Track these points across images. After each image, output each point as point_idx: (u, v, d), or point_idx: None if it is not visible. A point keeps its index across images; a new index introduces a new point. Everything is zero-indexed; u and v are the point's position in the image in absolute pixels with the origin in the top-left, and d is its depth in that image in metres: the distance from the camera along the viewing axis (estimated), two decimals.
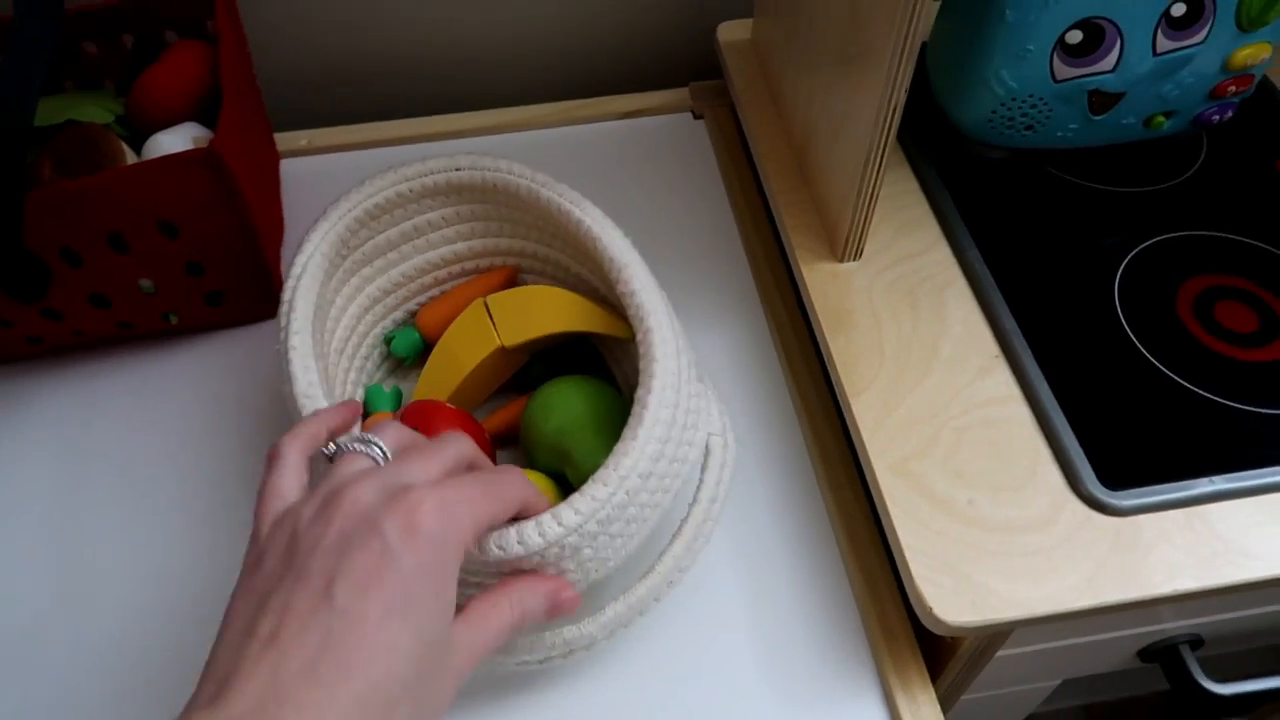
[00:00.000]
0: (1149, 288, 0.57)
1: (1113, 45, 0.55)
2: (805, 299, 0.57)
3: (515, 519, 0.40)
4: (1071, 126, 0.59)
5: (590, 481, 0.42)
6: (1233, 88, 0.59)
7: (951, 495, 0.48)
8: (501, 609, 0.38)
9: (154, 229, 0.54)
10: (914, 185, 0.63)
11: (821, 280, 0.57)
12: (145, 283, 0.57)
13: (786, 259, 0.64)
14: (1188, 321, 0.55)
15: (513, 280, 0.60)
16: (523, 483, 0.40)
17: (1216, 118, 0.61)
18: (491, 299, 0.55)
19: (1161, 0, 0.54)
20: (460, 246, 0.58)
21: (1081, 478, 0.48)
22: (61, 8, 0.51)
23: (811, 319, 0.57)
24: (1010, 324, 0.54)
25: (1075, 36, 0.55)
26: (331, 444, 0.40)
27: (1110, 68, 0.56)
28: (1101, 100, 0.58)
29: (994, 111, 0.59)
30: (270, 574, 0.34)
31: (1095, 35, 0.55)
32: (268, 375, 0.59)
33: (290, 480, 0.38)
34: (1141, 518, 0.47)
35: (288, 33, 0.74)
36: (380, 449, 0.38)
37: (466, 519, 0.35)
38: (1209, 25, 0.55)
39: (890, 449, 0.50)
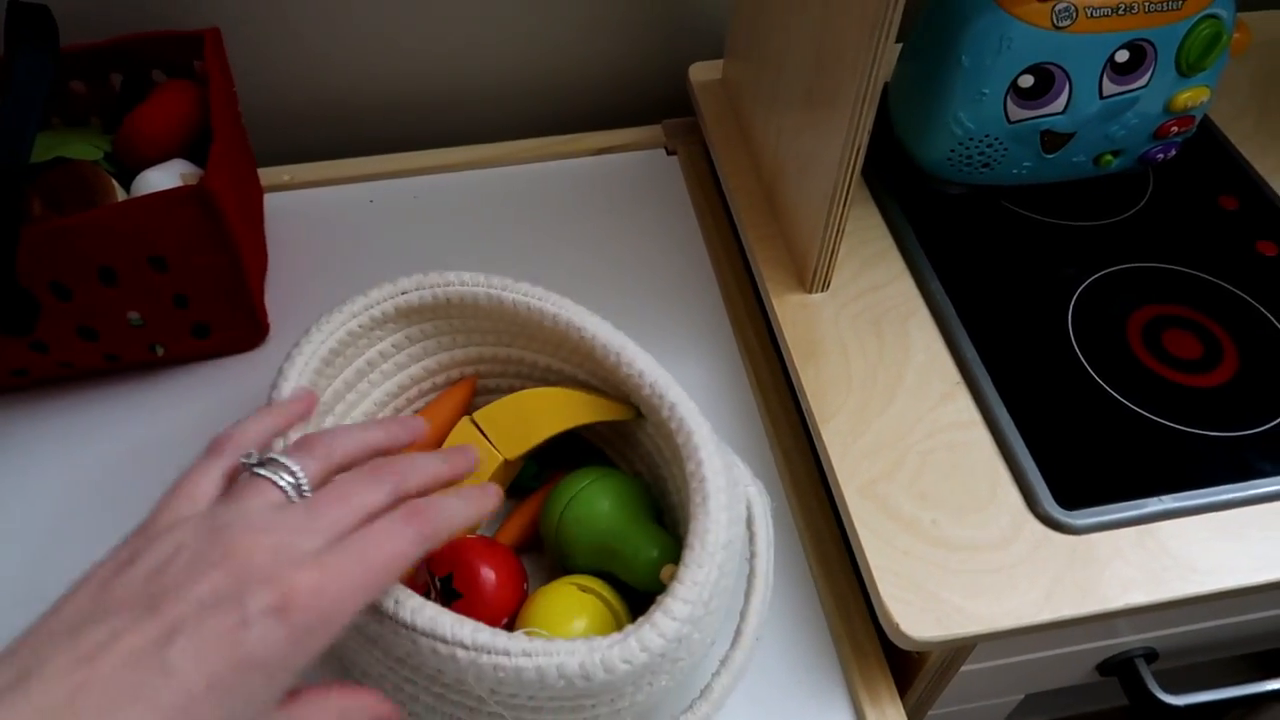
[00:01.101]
0: (1101, 317, 0.60)
1: (1062, 89, 0.58)
2: (776, 329, 0.60)
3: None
4: (1026, 164, 0.63)
5: (685, 567, 0.41)
6: (1175, 128, 0.62)
7: (916, 516, 0.51)
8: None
9: (144, 263, 0.56)
10: (878, 220, 0.65)
11: (791, 311, 0.60)
12: (133, 315, 0.58)
13: (758, 291, 0.66)
14: (1137, 349, 0.58)
15: (473, 390, 0.57)
16: (420, 538, 0.37)
17: (1161, 156, 0.65)
18: (479, 415, 0.52)
19: (1106, 47, 0.57)
20: (415, 370, 0.56)
21: (1039, 499, 0.51)
22: (57, 45, 0.52)
23: (782, 349, 0.59)
24: (971, 352, 0.57)
25: (1027, 81, 0.58)
26: (254, 454, 0.38)
27: (1060, 109, 0.59)
28: (1053, 140, 0.61)
29: (953, 150, 0.62)
30: (129, 585, 0.32)
31: (1045, 79, 0.58)
32: (254, 404, 0.61)
33: (209, 488, 0.37)
34: (1096, 536, 0.50)
35: (271, 69, 0.76)
36: (294, 481, 0.37)
37: (344, 612, 0.34)
38: (1151, 71, 0.59)
39: (858, 472, 0.52)
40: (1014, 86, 0.58)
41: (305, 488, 0.37)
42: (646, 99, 0.84)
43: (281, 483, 0.36)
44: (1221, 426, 0.54)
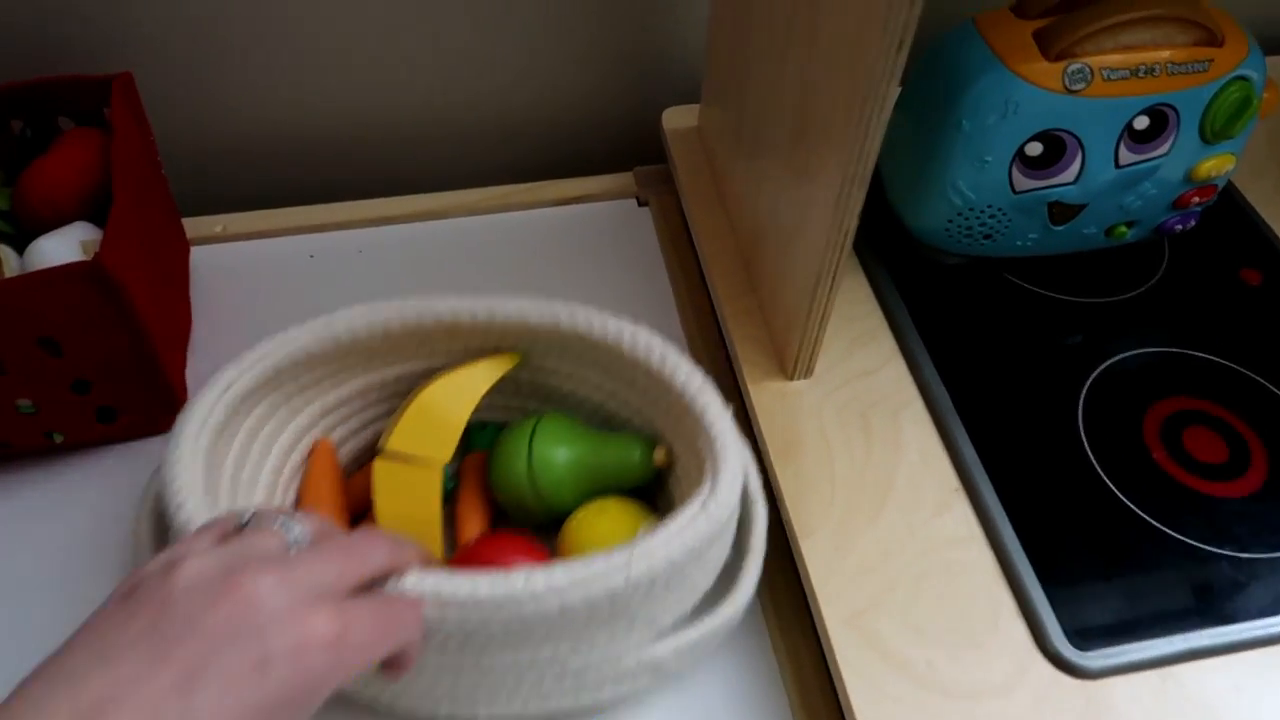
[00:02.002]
0: (1114, 411, 0.53)
1: (1074, 157, 0.52)
2: (753, 423, 0.53)
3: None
4: (1031, 236, 0.56)
5: (713, 457, 0.44)
6: (1196, 198, 0.57)
7: (909, 656, 0.44)
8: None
9: (33, 346, 0.49)
10: (868, 293, 0.59)
11: (769, 401, 0.53)
12: (24, 402, 0.52)
13: (734, 368, 0.60)
14: (1155, 451, 0.52)
15: (330, 450, 0.53)
16: (416, 614, 0.37)
17: (1179, 227, 0.59)
18: (392, 444, 0.49)
19: (1124, 113, 0.51)
20: (284, 440, 0.51)
21: (1048, 634, 0.45)
22: None
23: (760, 446, 0.53)
24: (970, 453, 0.51)
25: (1035, 148, 0.52)
26: (249, 512, 0.36)
27: (1071, 180, 0.53)
28: (1062, 211, 0.55)
29: (951, 220, 0.55)
30: (132, 622, 0.30)
31: (1055, 147, 0.52)
32: None
33: (203, 544, 0.34)
34: (1113, 680, 0.44)
35: (203, 107, 0.69)
36: (295, 532, 0.35)
37: (360, 655, 0.33)
38: (1173, 138, 0.53)
39: (843, 599, 0.46)
40: (1020, 154, 0.52)
41: (304, 539, 0.36)
42: (616, 144, 0.77)
43: (281, 530, 0.35)
44: (1252, 545, 0.48)
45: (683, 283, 0.66)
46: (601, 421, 0.53)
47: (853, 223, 0.45)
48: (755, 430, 0.53)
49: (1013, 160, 0.52)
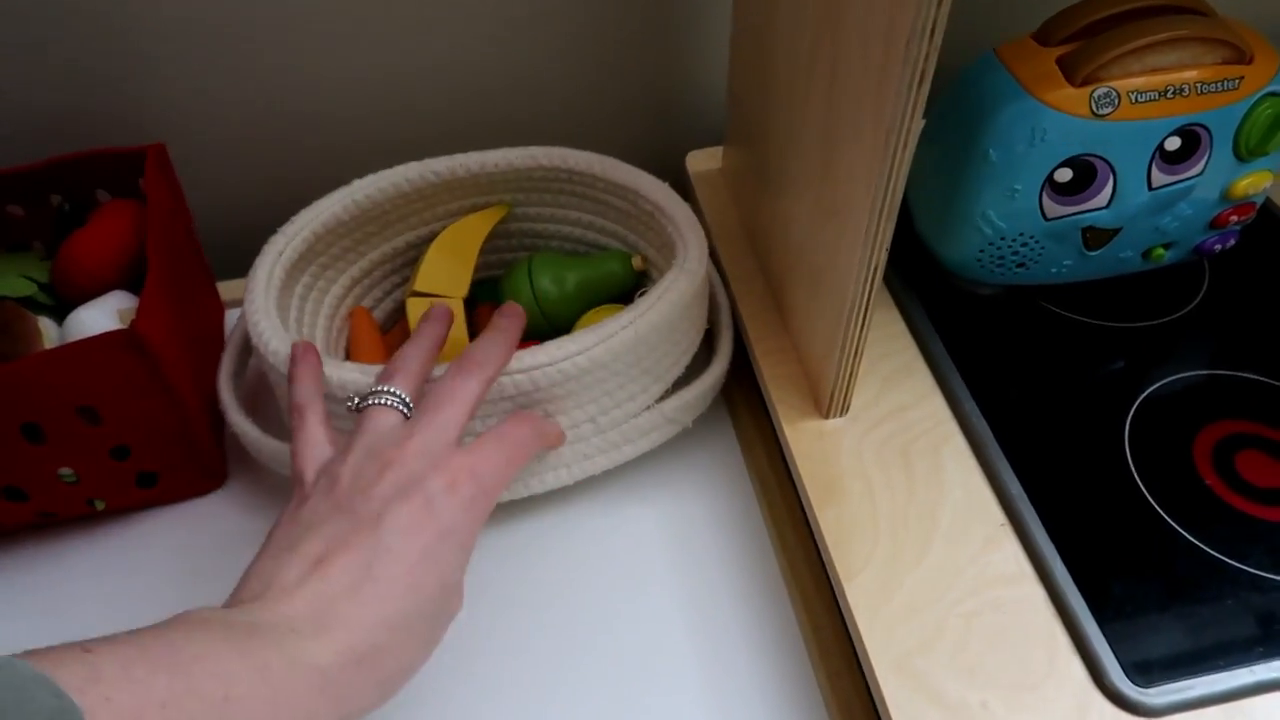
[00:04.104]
0: (1162, 438, 0.52)
1: (1105, 182, 0.51)
2: (790, 462, 0.53)
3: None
4: (1066, 263, 0.56)
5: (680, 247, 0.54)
6: (1234, 217, 0.55)
7: (963, 698, 0.43)
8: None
9: (73, 415, 0.49)
10: (901, 328, 0.58)
11: (806, 442, 0.53)
12: (65, 471, 0.52)
13: (768, 409, 0.59)
14: (1207, 476, 0.50)
15: (367, 314, 0.63)
16: (536, 429, 0.46)
17: (1219, 246, 0.57)
18: (418, 286, 0.58)
19: (1154, 135, 0.50)
20: (335, 293, 0.61)
21: (1106, 672, 0.43)
22: None
23: (799, 488, 0.52)
24: (1015, 488, 0.50)
25: (1065, 174, 0.51)
26: (355, 397, 0.44)
27: (1104, 204, 0.52)
28: (1096, 236, 0.54)
29: (982, 250, 0.55)
30: (318, 509, 0.39)
31: (1086, 173, 0.51)
32: (210, 556, 0.54)
33: (321, 430, 0.43)
34: (1177, 718, 0.42)
35: (233, 179, 0.70)
36: (400, 399, 0.43)
37: (498, 482, 0.42)
38: (1206, 157, 0.52)
39: (892, 643, 0.45)
40: (1050, 181, 0.51)
41: (409, 401, 0.43)
42: None
43: (392, 403, 0.43)
44: None
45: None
46: (584, 251, 0.64)
47: (882, 257, 0.44)
48: (793, 472, 0.52)
49: (1043, 188, 0.51)
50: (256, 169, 0.71)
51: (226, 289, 0.69)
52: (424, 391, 0.45)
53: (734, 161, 0.67)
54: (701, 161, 0.71)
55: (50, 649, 0.30)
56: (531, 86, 0.70)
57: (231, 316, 0.68)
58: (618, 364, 0.50)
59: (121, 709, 0.29)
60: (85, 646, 0.31)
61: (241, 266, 0.70)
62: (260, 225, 0.74)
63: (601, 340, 0.48)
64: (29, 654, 0.30)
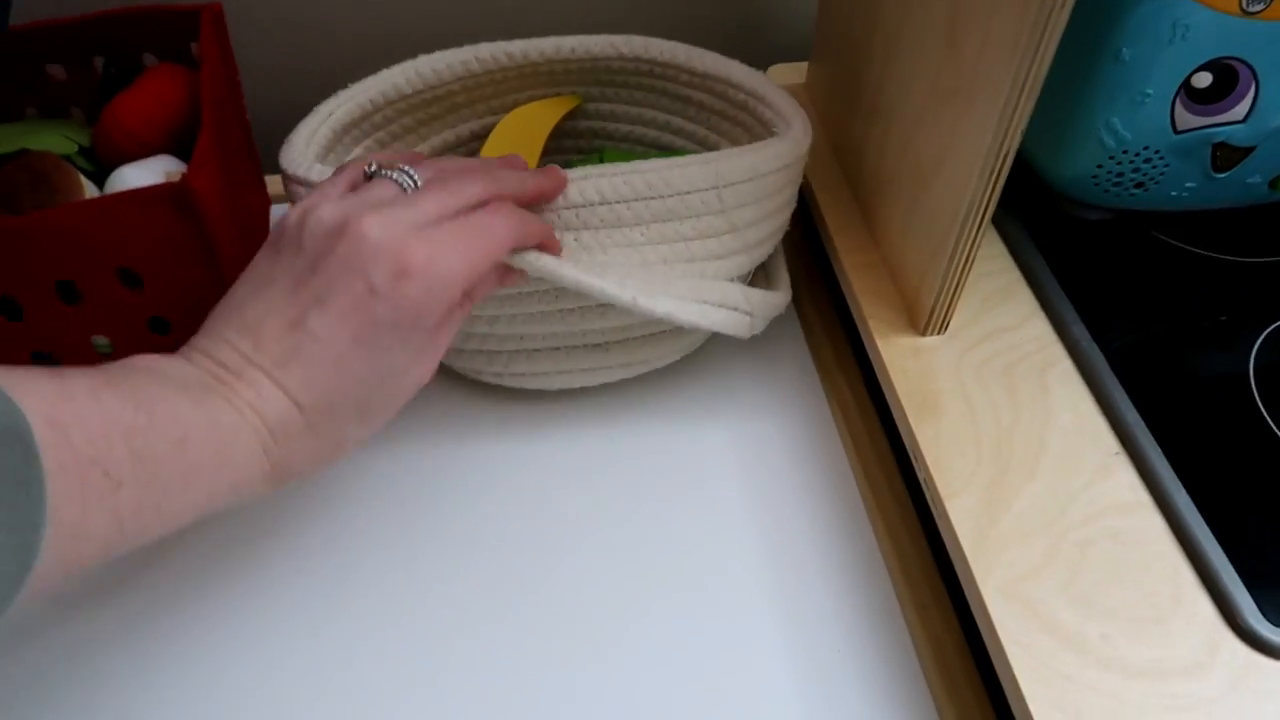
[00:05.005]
0: None
1: (1246, 91, 0.47)
2: (882, 379, 0.49)
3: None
4: (1189, 185, 0.51)
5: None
6: None
7: (1080, 629, 0.39)
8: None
9: (112, 277, 0.46)
10: (1001, 249, 0.54)
11: (901, 358, 0.48)
12: (100, 340, 0.48)
13: (848, 331, 0.55)
14: None
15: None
16: (513, 221, 0.41)
17: None
18: (485, 151, 0.53)
19: None
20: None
21: (1239, 609, 0.39)
22: None
23: (890, 403, 0.48)
24: (1131, 414, 0.45)
25: (1203, 80, 0.47)
26: (374, 164, 0.41)
27: (1241, 117, 0.48)
28: (1227, 155, 0.50)
29: (1100, 166, 0.51)
30: (273, 265, 0.38)
31: (1227, 79, 0.47)
32: None
33: (335, 190, 0.40)
34: None
35: (286, 57, 0.66)
36: (410, 179, 0.40)
37: (453, 273, 0.37)
38: None
39: (997, 567, 0.41)
40: (1185, 87, 0.47)
41: (419, 184, 0.40)
42: None
43: (398, 179, 0.40)
44: None
45: (790, 245, 0.62)
46: (654, 155, 0.58)
47: (1015, 142, 0.40)
48: (886, 388, 0.48)
49: (1176, 94, 0.47)
50: (309, 51, 0.67)
51: (272, 183, 0.65)
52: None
53: (821, 75, 0.63)
54: (784, 75, 0.66)
55: (20, 367, 0.30)
56: (607, 8, 0.67)
57: (276, 211, 0.64)
58: (697, 200, 0.44)
59: (91, 430, 0.30)
60: (54, 370, 0.31)
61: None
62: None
63: (677, 166, 0.44)
64: None
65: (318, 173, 0.46)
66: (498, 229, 0.40)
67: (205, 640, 0.45)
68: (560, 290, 0.46)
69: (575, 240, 0.44)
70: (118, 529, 0.32)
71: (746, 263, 0.49)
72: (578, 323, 0.48)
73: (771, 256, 0.53)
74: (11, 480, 0.28)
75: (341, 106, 0.51)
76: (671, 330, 0.50)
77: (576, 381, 0.51)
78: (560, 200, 0.43)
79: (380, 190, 0.39)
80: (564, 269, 0.42)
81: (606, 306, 0.47)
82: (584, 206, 0.44)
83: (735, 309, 0.48)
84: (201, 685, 0.43)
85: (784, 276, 0.53)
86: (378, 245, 0.36)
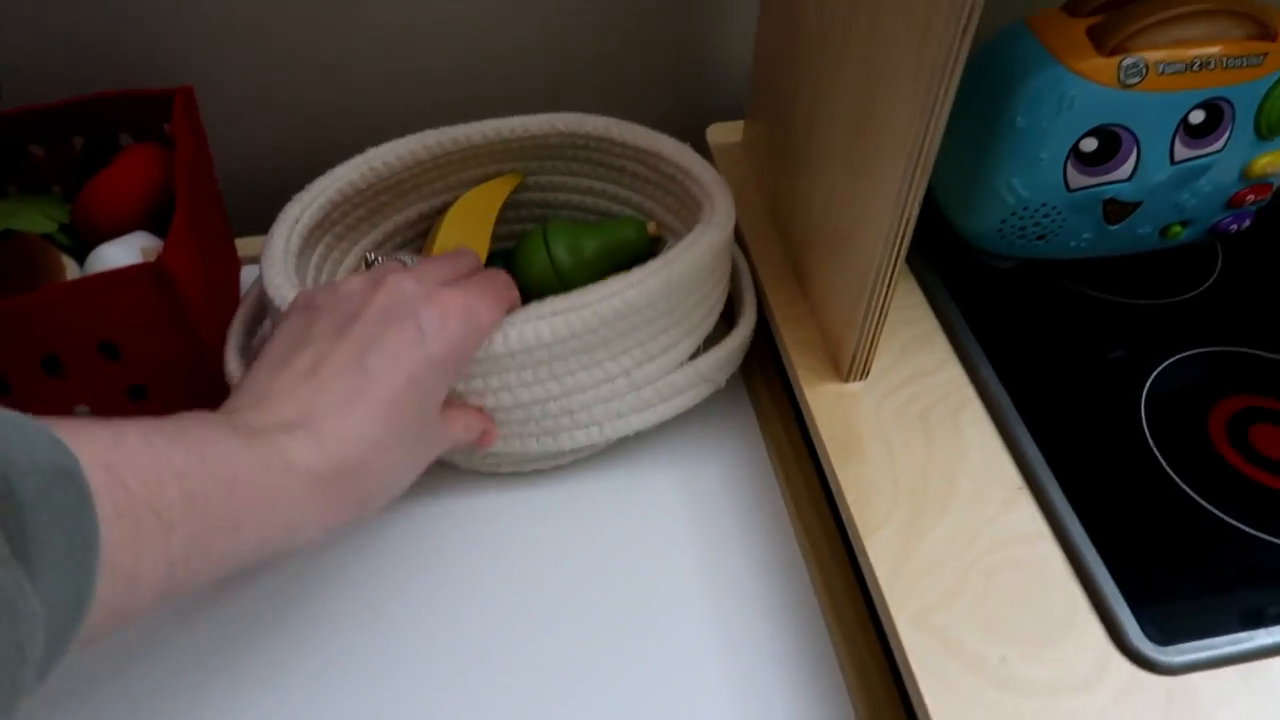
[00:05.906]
0: (1178, 410, 0.53)
1: (1129, 153, 0.52)
2: (810, 424, 0.53)
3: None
4: (1085, 236, 0.56)
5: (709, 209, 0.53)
6: (1251, 196, 0.56)
7: (982, 652, 0.43)
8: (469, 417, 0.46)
9: (93, 350, 0.49)
10: (919, 298, 0.59)
11: (826, 403, 0.53)
12: (81, 409, 0.52)
13: (783, 374, 0.59)
14: (1223, 448, 0.51)
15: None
16: (508, 280, 0.47)
17: (1234, 227, 0.58)
18: (433, 252, 0.57)
19: (1179, 107, 0.51)
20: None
21: (1125, 630, 0.43)
22: None
23: (817, 447, 0.52)
24: (1032, 451, 0.50)
25: (1090, 144, 0.52)
26: (372, 254, 0.48)
27: (1126, 176, 0.53)
28: (1117, 209, 0.54)
29: (1004, 221, 0.55)
30: (311, 325, 0.40)
31: (1111, 143, 0.52)
32: None
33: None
34: (1195, 677, 0.42)
35: (253, 132, 0.70)
36: (410, 261, 0.45)
37: (486, 319, 0.43)
38: (1228, 133, 0.52)
39: (911, 597, 0.45)
40: (1075, 150, 0.52)
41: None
42: None
43: (401, 259, 0.46)
44: None
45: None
46: (595, 220, 0.63)
47: (914, 212, 0.45)
48: (813, 433, 0.53)
49: (1068, 157, 0.52)
50: (274, 126, 0.71)
51: (242, 245, 0.68)
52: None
53: (756, 134, 0.67)
54: (722, 134, 0.71)
55: (69, 419, 0.31)
56: (550, 54, 0.71)
57: (246, 271, 0.68)
58: (651, 310, 0.48)
59: (143, 473, 0.31)
60: (104, 419, 0.32)
61: (250, 222, 0.70)
62: (275, 183, 0.73)
63: (634, 284, 0.48)
64: (47, 419, 0.30)
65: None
66: (501, 284, 0.46)
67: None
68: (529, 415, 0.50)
69: (548, 372, 0.48)
70: (168, 574, 0.31)
71: (696, 342, 0.54)
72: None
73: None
74: (65, 524, 0.27)
75: (306, 211, 0.54)
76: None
77: (529, 466, 0.55)
78: (532, 340, 0.46)
79: (391, 266, 0.44)
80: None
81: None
82: (553, 344, 0.47)
83: (696, 386, 0.54)
84: None
85: (745, 313, 0.58)
86: (417, 293, 0.41)
